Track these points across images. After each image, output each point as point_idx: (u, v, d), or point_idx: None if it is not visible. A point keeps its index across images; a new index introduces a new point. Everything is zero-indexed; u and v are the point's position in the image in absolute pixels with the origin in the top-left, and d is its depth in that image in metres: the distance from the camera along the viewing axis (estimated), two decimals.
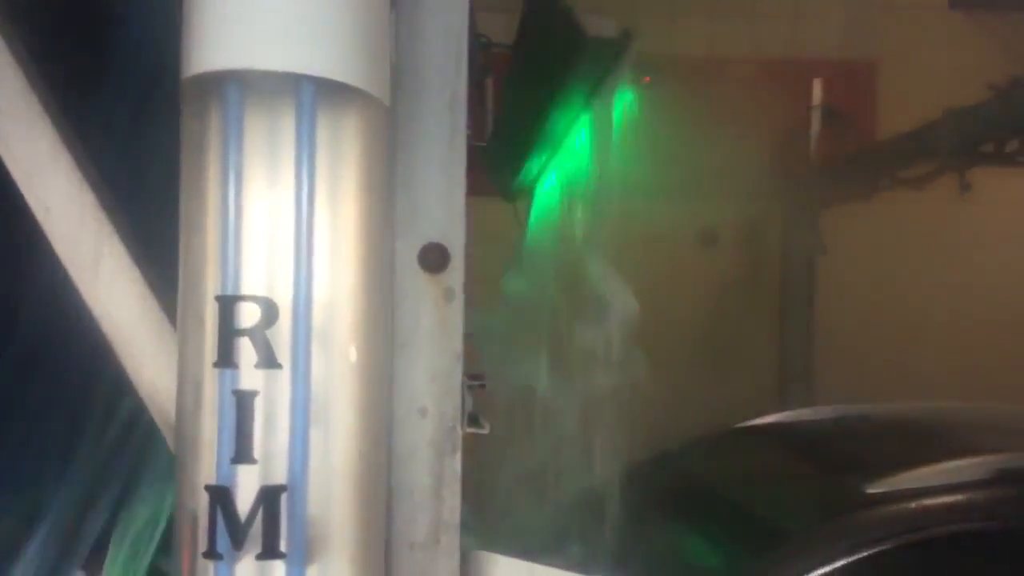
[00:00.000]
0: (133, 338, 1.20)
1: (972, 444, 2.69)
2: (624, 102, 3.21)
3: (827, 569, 2.20)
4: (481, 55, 3.62)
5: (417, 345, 1.18)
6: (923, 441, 2.91)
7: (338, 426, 1.01)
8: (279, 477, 0.96)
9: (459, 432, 1.19)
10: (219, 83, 0.98)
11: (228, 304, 0.95)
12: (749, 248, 6.08)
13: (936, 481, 2.36)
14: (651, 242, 5.34)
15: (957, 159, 4.50)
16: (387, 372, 1.14)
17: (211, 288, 0.97)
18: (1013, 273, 5.77)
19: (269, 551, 0.94)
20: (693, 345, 5.54)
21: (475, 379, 1.22)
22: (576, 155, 3.52)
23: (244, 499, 0.94)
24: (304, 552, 0.97)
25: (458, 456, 1.19)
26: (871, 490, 2.35)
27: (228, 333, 0.95)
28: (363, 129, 1.04)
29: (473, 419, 1.22)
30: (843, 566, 2.20)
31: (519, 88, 3.13)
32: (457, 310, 1.19)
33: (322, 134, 0.99)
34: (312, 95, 0.99)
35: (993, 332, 5.73)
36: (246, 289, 0.96)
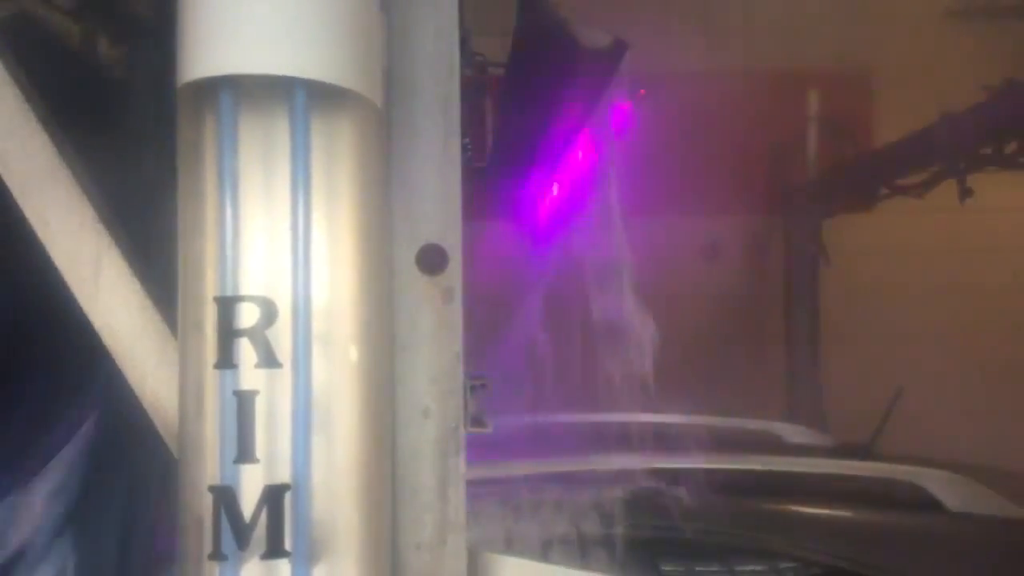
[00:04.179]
0: (134, 348, 1.20)
1: None
2: (621, 115, 3.23)
3: None
4: (479, 76, 3.65)
5: (417, 346, 1.18)
6: None
7: (340, 425, 1.01)
8: (283, 476, 0.96)
9: (462, 432, 1.19)
10: (213, 89, 0.99)
11: (227, 305, 0.96)
12: (752, 260, 6.08)
13: None
14: (654, 257, 5.34)
15: (956, 163, 4.51)
16: (388, 372, 1.14)
17: (210, 290, 0.98)
18: (1015, 277, 5.76)
19: (274, 550, 0.94)
20: (699, 358, 5.53)
21: (477, 379, 1.22)
22: (576, 170, 3.54)
23: (248, 499, 0.94)
24: (309, 551, 0.97)
25: (462, 456, 1.18)
26: None
27: (228, 334, 0.96)
28: (357, 130, 1.05)
29: (476, 419, 1.21)
30: None
31: (517, 103, 3.15)
32: (456, 310, 1.19)
33: (316, 135, 1.00)
34: (305, 97, 1.00)
35: (996, 337, 5.72)
36: (245, 290, 0.96)
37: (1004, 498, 2.74)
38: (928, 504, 2.71)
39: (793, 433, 3.80)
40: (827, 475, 2.99)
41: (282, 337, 0.97)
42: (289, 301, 0.97)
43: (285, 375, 0.97)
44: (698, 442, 3.04)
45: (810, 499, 2.74)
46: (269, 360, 0.96)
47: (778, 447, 3.57)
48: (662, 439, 3.08)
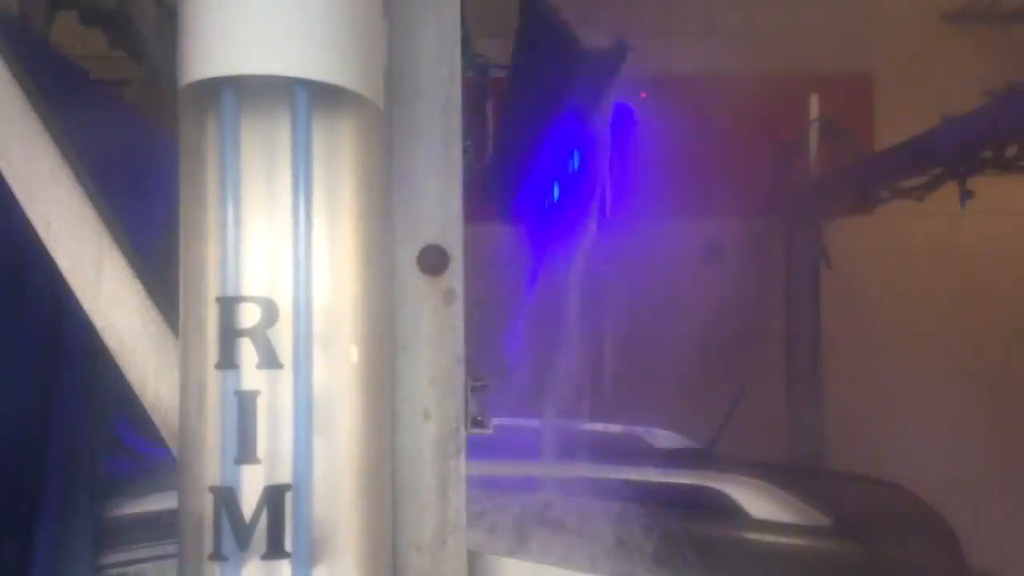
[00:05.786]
0: (136, 349, 1.21)
1: None
2: (623, 117, 3.23)
3: None
4: (481, 79, 3.65)
5: (418, 347, 1.19)
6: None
7: (341, 425, 1.01)
8: (283, 476, 0.96)
9: (462, 433, 1.19)
10: (216, 89, 0.99)
11: (229, 305, 0.96)
12: (753, 263, 6.07)
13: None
14: (656, 258, 5.34)
15: (957, 166, 4.50)
16: (389, 373, 1.14)
17: (212, 290, 0.98)
18: (1016, 281, 5.76)
19: (274, 551, 0.94)
20: (698, 359, 5.52)
21: (478, 380, 1.22)
22: (577, 172, 3.53)
23: (249, 499, 0.94)
24: (310, 551, 0.97)
25: (462, 457, 1.18)
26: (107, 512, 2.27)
27: (229, 334, 0.96)
28: (358, 131, 1.05)
29: (477, 420, 1.21)
30: None
31: (518, 104, 3.15)
32: (457, 312, 1.19)
33: (318, 136, 1.00)
34: (307, 98, 1.00)
35: (996, 340, 5.72)
36: (246, 290, 0.97)
37: (810, 506, 2.78)
38: (731, 511, 2.76)
39: (661, 438, 3.77)
40: (633, 481, 2.94)
41: (283, 338, 0.97)
42: (290, 302, 0.98)
43: (286, 375, 0.97)
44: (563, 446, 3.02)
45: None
46: (270, 360, 0.96)
47: (637, 452, 3.52)
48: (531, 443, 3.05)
